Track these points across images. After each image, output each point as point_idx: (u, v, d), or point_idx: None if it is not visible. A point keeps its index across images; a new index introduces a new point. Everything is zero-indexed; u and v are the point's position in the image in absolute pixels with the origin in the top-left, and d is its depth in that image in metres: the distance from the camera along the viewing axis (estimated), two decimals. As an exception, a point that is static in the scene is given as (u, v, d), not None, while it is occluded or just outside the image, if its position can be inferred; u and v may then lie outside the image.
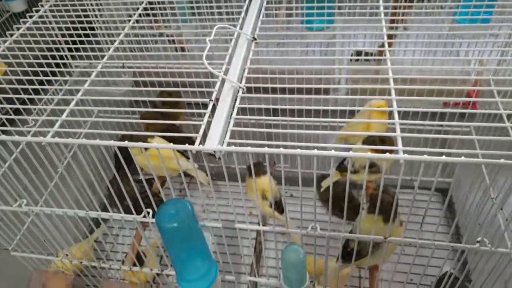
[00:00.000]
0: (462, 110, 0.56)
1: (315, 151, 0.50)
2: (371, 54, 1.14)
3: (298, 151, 0.51)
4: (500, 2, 0.78)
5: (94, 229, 0.94)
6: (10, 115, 0.74)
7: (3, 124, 0.67)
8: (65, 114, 0.60)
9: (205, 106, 0.58)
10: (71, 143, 0.55)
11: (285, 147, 0.52)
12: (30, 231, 0.80)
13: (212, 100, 0.59)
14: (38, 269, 0.87)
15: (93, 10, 0.93)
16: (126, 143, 0.54)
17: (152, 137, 0.81)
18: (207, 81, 0.65)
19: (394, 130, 0.53)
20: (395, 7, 0.87)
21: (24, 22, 0.82)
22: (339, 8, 0.85)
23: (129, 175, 0.60)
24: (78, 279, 0.86)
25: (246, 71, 0.65)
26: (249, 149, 0.52)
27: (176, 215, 0.54)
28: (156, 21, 0.94)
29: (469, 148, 0.54)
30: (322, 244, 0.65)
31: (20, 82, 0.73)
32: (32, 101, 0.74)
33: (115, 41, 0.75)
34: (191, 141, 0.54)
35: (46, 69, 0.76)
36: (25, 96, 0.72)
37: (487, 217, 0.67)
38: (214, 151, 0.53)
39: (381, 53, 1.14)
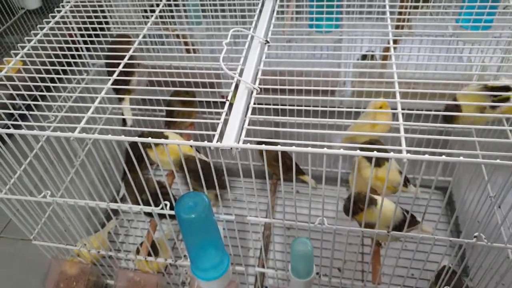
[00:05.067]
0: (464, 113, 0.60)
1: (325, 150, 0.54)
2: (375, 58, 1.18)
3: (309, 149, 0.55)
4: (500, 10, 0.82)
5: (109, 219, 0.98)
6: (32, 110, 0.78)
7: (20, 119, 0.70)
8: (90, 110, 0.64)
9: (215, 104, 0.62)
10: (100, 138, 0.59)
11: (295, 145, 0.56)
12: (50, 220, 0.85)
13: (228, 100, 0.63)
14: (56, 257, 0.91)
15: (110, 11, 0.97)
16: (150, 140, 0.58)
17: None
18: (223, 81, 0.68)
19: (398, 130, 0.56)
20: (400, 12, 0.90)
21: (47, 22, 0.85)
22: (347, 12, 0.88)
23: (149, 168, 0.64)
24: (94, 268, 0.90)
25: (260, 72, 0.69)
26: (263, 146, 0.56)
27: (194, 207, 0.58)
28: (164, 23, 0.97)
29: (470, 148, 0.58)
30: (329, 239, 0.70)
31: (39, 80, 0.77)
32: (46, 97, 0.78)
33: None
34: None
35: (66, 68, 0.81)
36: (46, 94, 0.76)
37: (486, 214, 0.71)
38: (231, 148, 0.57)
39: (386, 57, 1.18)
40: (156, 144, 0.64)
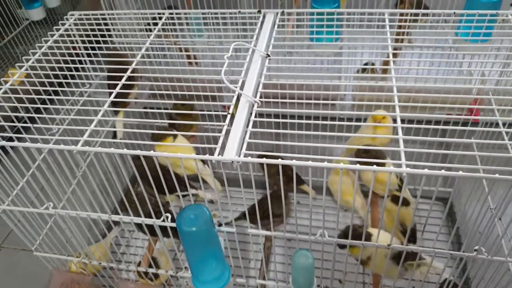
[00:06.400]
0: (464, 127, 0.61)
1: (326, 164, 0.55)
2: (376, 70, 1.19)
3: (310, 163, 0.55)
4: (499, 23, 0.83)
5: (109, 229, 0.98)
6: (36, 121, 0.79)
7: (18, 131, 0.71)
8: (93, 123, 0.65)
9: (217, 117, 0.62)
10: (102, 152, 0.59)
11: (296, 158, 0.57)
12: (52, 231, 0.85)
13: (229, 113, 0.64)
14: (57, 268, 0.91)
15: (113, 24, 0.99)
16: (153, 153, 0.58)
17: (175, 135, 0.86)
18: (225, 94, 0.69)
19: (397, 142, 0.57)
20: (399, 26, 0.91)
21: (52, 35, 0.87)
22: (347, 25, 0.90)
23: (152, 182, 0.64)
24: (95, 279, 0.90)
25: (261, 86, 0.70)
26: (264, 160, 0.57)
27: (195, 219, 0.59)
28: (167, 36, 0.99)
29: (470, 161, 0.58)
30: (330, 250, 0.70)
31: (43, 92, 0.78)
32: (49, 109, 0.79)
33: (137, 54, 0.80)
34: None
35: (69, 80, 0.82)
36: (50, 106, 0.77)
37: (486, 226, 0.71)
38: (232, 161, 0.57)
39: (385, 70, 1.19)
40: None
